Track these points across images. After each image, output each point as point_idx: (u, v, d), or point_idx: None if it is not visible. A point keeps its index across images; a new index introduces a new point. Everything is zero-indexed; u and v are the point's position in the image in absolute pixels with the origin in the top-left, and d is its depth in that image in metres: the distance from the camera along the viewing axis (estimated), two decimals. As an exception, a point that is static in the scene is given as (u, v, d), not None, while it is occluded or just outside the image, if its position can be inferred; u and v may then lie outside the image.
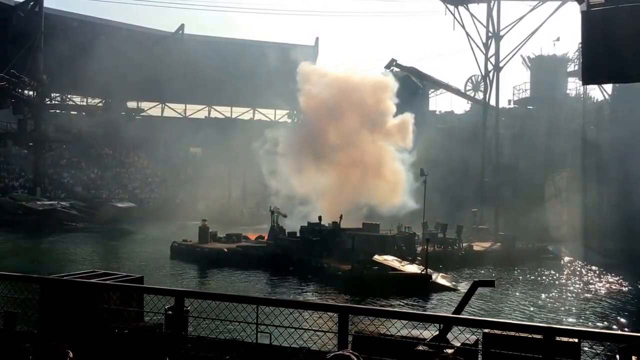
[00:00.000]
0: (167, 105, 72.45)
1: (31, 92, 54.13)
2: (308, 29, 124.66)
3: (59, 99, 62.98)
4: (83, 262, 28.47)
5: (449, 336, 6.50)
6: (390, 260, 25.14)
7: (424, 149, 38.83)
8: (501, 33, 43.66)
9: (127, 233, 41.35)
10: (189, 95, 67.33)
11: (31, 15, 52.94)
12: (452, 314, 8.01)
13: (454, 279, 25.45)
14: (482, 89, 47.91)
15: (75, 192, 53.93)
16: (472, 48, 44.15)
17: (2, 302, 7.39)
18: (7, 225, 40.39)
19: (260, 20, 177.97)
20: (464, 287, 22.88)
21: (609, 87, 44.16)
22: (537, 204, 42.27)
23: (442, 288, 23.67)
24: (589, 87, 43.37)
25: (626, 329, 18.00)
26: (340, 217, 29.70)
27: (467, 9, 43.60)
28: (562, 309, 21.32)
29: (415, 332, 6.63)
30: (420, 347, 6.22)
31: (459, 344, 6.23)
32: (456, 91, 57.58)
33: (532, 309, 20.97)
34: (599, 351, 5.74)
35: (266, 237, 32.10)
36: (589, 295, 24.09)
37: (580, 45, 23.93)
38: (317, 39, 74.33)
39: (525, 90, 52.32)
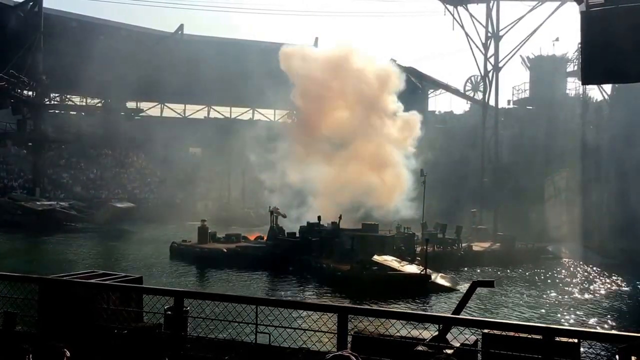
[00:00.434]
0: (166, 106, 72.42)
1: (30, 93, 54.09)
2: (308, 29, 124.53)
3: (58, 99, 62.86)
4: (82, 262, 28.46)
5: (449, 336, 6.49)
6: (389, 260, 25.14)
7: (423, 150, 38.83)
8: (500, 33, 43.70)
9: (127, 233, 41.32)
10: (189, 96, 67.29)
11: (30, 16, 52.91)
12: (452, 314, 8.02)
13: (453, 279, 25.45)
14: (482, 89, 47.95)
15: (75, 193, 53.93)
16: (471, 48, 44.23)
17: (2, 303, 7.38)
18: (6, 226, 40.36)
19: (260, 20, 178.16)
20: (463, 287, 22.87)
21: (608, 87, 44.16)
22: (536, 204, 42.30)
23: (442, 288, 23.67)
24: (588, 87, 43.42)
25: (625, 330, 18.00)
26: (340, 218, 29.70)
27: (467, 9, 43.63)
28: (562, 309, 21.32)
29: (415, 333, 6.64)
30: (419, 348, 6.22)
31: (458, 344, 6.23)
32: (455, 91, 57.65)
33: (531, 309, 20.97)
34: (598, 351, 5.74)
35: (265, 238, 32.10)
36: (588, 295, 24.10)
37: (579, 46, 23.94)
38: (316, 39, 74.28)
39: (525, 90, 52.31)
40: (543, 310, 20.82)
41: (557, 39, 58.54)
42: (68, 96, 63.97)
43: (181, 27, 66.19)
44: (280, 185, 37.20)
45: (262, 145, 40.31)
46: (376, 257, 24.90)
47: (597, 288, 25.69)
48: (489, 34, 43.79)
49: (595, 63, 7.97)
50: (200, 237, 31.45)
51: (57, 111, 62.69)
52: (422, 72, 52.20)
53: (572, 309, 21.44)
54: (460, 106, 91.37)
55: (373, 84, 38.51)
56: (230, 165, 53.63)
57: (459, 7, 43.72)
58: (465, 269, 28.93)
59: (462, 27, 43.94)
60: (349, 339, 6.37)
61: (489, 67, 44.11)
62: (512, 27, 43.65)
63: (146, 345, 7.26)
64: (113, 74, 51.68)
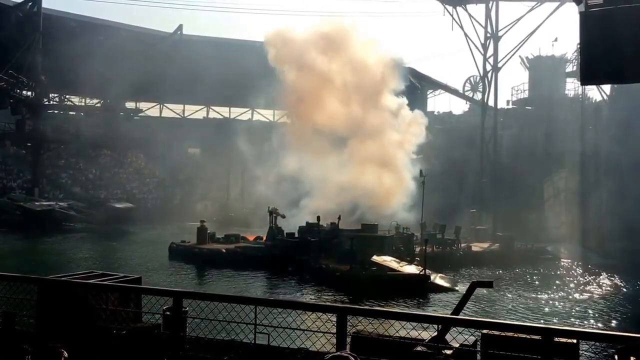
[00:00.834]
0: (165, 106, 72.36)
1: (29, 93, 54.07)
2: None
3: (57, 99, 62.81)
4: (81, 262, 28.42)
5: (448, 337, 6.49)
6: (388, 261, 25.12)
7: (422, 150, 38.85)
8: (499, 34, 43.74)
9: (125, 233, 41.28)
10: (188, 96, 67.20)
11: (30, 16, 52.84)
12: (451, 314, 8.01)
13: (453, 280, 25.43)
14: (481, 90, 47.98)
15: (74, 193, 53.87)
16: (470, 49, 44.28)
17: (1, 303, 7.38)
18: (5, 226, 40.32)
19: (260, 20, 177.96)
20: (462, 287, 22.87)
21: (607, 88, 44.27)
22: (535, 205, 42.35)
23: (441, 289, 23.65)
24: (588, 87, 43.51)
25: (624, 330, 17.99)
26: (339, 218, 29.68)
27: (466, 10, 43.67)
28: (561, 309, 21.32)
29: (414, 333, 6.63)
30: (418, 348, 6.22)
31: (457, 345, 6.23)
32: (454, 92, 57.74)
33: (530, 309, 20.96)
34: (597, 352, 5.74)
35: (264, 238, 32.07)
36: (587, 295, 24.10)
37: (578, 46, 23.96)
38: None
39: (524, 90, 52.38)
40: (542, 311, 20.82)
41: (556, 40, 58.68)
42: (67, 96, 63.93)
43: (180, 27, 66.14)
44: (278, 186, 37.16)
45: (260, 145, 40.27)
46: (375, 258, 24.88)
47: (596, 288, 25.69)
48: (488, 35, 43.83)
49: (595, 63, 7.97)
50: (199, 238, 31.43)
51: (56, 111, 62.67)
52: (421, 72, 52.26)
53: (571, 309, 21.44)
54: (459, 106, 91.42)
55: (372, 71, 38.09)
56: (230, 165, 53.58)
57: (458, 8, 43.76)
58: (465, 269, 28.91)
59: (461, 27, 44.02)
60: (348, 339, 6.37)
61: (488, 68, 44.16)
62: (511, 28, 43.76)
63: (145, 345, 7.26)
64: (112, 74, 51.61)
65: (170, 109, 72.61)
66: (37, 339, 6.77)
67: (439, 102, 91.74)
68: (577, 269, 30.80)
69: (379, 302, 20.50)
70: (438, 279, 24.48)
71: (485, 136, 44.20)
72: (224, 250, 29.69)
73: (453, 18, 43.99)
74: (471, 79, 57.34)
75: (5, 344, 6.31)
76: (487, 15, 43.72)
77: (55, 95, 61.95)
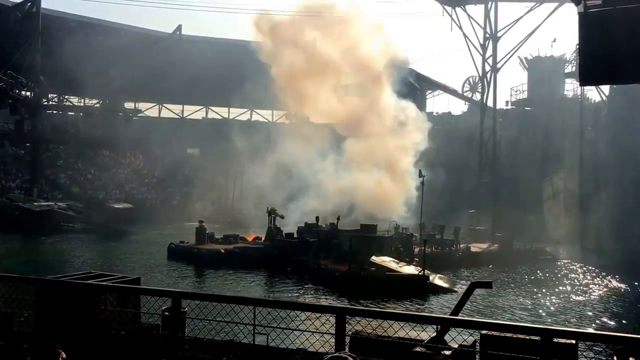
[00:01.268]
0: (164, 106, 72.35)
1: (28, 93, 53.98)
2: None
3: (56, 99, 62.76)
4: (80, 263, 28.41)
5: (447, 337, 6.49)
6: (387, 261, 25.10)
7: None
8: (498, 34, 43.77)
9: (124, 234, 41.24)
10: (187, 96, 67.23)
11: (29, 16, 52.76)
12: (450, 315, 8.01)
13: (452, 280, 25.42)
14: (480, 90, 47.98)
15: (72, 193, 53.80)
16: (469, 49, 44.31)
17: (-1, 303, 7.37)
18: (3, 226, 40.23)
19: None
20: (461, 288, 22.86)
21: (606, 88, 44.26)
22: (534, 205, 42.33)
23: (440, 289, 23.65)
24: (587, 88, 43.51)
25: (623, 331, 18.00)
26: (338, 219, 29.68)
27: (465, 10, 43.69)
28: (560, 310, 21.32)
29: (413, 334, 6.63)
30: (417, 349, 6.22)
31: (456, 346, 6.23)
32: (453, 92, 57.74)
33: (529, 310, 20.97)
34: (596, 353, 5.73)
35: (263, 238, 32.06)
36: (586, 296, 24.11)
37: (577, 47, 23.96)
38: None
39: (523, 91, 52.40)
40: (541, 311, 20.82)
41: (554, 40, 58.71)
42: (66, 96, 63.89)
43: (179, 27, 66.08)
44: (275, 184, 37.18)
45: (259, 145, 40.25)
46: (374, 258, 24.86)
47: (595, 289, 25.71)
48: (487, 35, 43.84)
49: (593, 64, 7.97)
50: (198, 238, 31.42)
51: (55, 111, 62.63)
52: (421, 73, 52.25)
53: (569, 309, 21.45)
54: (458, 107, 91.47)
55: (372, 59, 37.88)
56: (229, 165, 53.55)
57: (457, 8, 43.79)
58: (463, 269, 28.92)
59: (460, 28, 44.05)
60: (347, 339, 6.36)
61: (487, 68, 44.18)
62: (510, 28, 43.81)
63: (144, 346, 7.25)
64: (111, 75, 51.60)
65: (169, 109, 72.59)
66: (35, 339, 6.76)
67: (438, 103, 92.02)
68: (576, 270, 30.81)
69: (378, 303, 20.50)
70: (437, 280, 24.48)
71: (484, 137, 44.20)
72: (222, 251, 29.67)
73: (452, 19, 44.05)
74: (470, 79, 57.34)
75: (3, 344, 6.31)
76: (486, 16, 43.75)
77: (54, 95, 61.91)
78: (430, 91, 62.34)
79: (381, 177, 36.94)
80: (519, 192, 42.72)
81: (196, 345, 7.17)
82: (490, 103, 44.89)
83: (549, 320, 19.15)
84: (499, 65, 43.90)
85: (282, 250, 28.99)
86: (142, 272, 23.52)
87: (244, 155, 44.66)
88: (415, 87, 52.74)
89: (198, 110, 72.99)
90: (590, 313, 21.06)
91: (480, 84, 47.73)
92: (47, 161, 56.56)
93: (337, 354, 3.84)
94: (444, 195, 41.73)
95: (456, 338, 6.37)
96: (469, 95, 57.15)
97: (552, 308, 21.55)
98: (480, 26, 43.95)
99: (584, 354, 6.09)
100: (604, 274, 28.72)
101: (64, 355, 4.33)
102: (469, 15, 43.73)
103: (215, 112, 73.37)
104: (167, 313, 7.18)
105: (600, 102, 47.35)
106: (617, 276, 27.78)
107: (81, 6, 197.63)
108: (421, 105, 54.98)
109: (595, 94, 47.79)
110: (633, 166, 36.64)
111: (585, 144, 42.64)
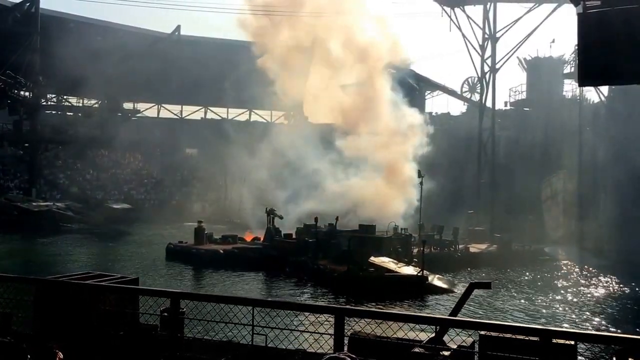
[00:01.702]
0: (163, 107, 72.33)
1: (27, 93, 53.99)
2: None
3: (54, 99, 62.81)
4: (78, 263, 28.40)
5: (446, 338, 6.48)
6: (386, 262, 25.10)
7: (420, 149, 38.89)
8: (497, 35, 43.76)
9: (123, 234, 41.23)
10: (185, 97, 67.21)
11: (27, 16, 52.79)
12: (449, 315, 8.00)
13: (450, 281, 25.43)
14: (479, 91, 47.99)
15: (71, 193, 53.79)
16: (468, 50, 44.32)
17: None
18: (2, 226, 40.20)
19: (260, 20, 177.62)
20: (460, 289, 22.86)
21: (605, 89, 44.26)
22: (533, 206, 42.32)
23: (438, 290, 23.65)
24: (585, 88, 43.48)
25: (622, 331, 18.00)
26: (337, 219, 29.68)
27: (464, 11, 43.70)
28: (559, 310, 21.33)
29: (412, 334, 6.62)
30: (416, 349, 6.20)
31: (455, 346, 6.22)
32: (452, 93, 57.75)
33: (528, 310, 20.97)
34: (595, 353, 5.73)
35: (262, 239, 32.06)
36: (585, 297, 24.11)
37: (576, 47, 24.00)
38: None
39: (522, 92, 52.38)
40: (540, 312, 20.83)
41: (553, 41, 58.53)
42: (65, 97, 63.88)
43: (178, 28, 66.08)
44: (275, 183, 37.19)
45: (258, 145, 40.24)
46: (373, 259, 24.86)
47: (594, 289, 25.72)
48: (486, 36, 43.85)
49: (592, 64, 7.96)
50: (197, 238, 31.40)
51: (53, 112, 62.65)
52: (420, 73, 52.26)
53: (568, 310, 21.45)
54: (457, 107, 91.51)
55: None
56: (227, 166, 53.52)
57: (456, 9, 43.79)
58: (462, 270, 28.92)
59: (459, 28, 44.06)
60: (346, 340, 6.35)
61: (486, 69, 44.18)
62: (509, 29, 43.81)
63: (142, 346, 7.24)
64: (110, 75, 51.57)
65: (168, 110, 72.58)
66: (34, 339, 6.75)
67: (437, 103, 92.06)
68: (575, 270, 30.83)
69: (377, 303, 20.49)
70: (436, 280, 24.48)
71: (483, 137, 44.20)
72: (221, 251, 29.66)
73: (451, 19, 44.07)
74: (469, 80, 57.38)
75: (2, 344, 6.29)
76: (485, 17, 43.74)
77: (53, 95, 61.97)
78: (429, 92, 62.38)
79: (379, 183, 36.86)
80: (518, 193, 42.73)
81: (195, 345, 7.15)
82: (489, 103, 44.95)
83: (548, 321, 19.15)
84: (497, 66, 43.93)
85: (281, 251, 29.01)
86: (140, 272, 23.53)
87: (243, 156, 44.56)
88: (414, 87, 52.77)
89: (197, 111, 72.99)
90: (589, 314, 21.06)
91: (479, 85, 47.73)
92: (45, 161, 56.55)
93: (336, 355, 3.82)
94: (443, 196, 41.72)
95: (455, 339, 6.37)
96: (468, 96, 57.19)
97: (550, 308, 21.56)
98: (479, 27, 43.99)
99: (583, 354, 6.09)
100: (602, 274, 28.73)
101: (62, 356, 4.32)
102: (468, 16, 43.79)
103: (214, 113, 73.35)
104: (165, 313, 7.17)
105: (599, 103, 47.36)
106: (615, 277, 27.80)
107: (80, 6, 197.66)
108: (420, 106, 55.04)
109: (594, 94, 47.84)
110: (631, 167, 36.65)
111: (584, 144, 42.63)
